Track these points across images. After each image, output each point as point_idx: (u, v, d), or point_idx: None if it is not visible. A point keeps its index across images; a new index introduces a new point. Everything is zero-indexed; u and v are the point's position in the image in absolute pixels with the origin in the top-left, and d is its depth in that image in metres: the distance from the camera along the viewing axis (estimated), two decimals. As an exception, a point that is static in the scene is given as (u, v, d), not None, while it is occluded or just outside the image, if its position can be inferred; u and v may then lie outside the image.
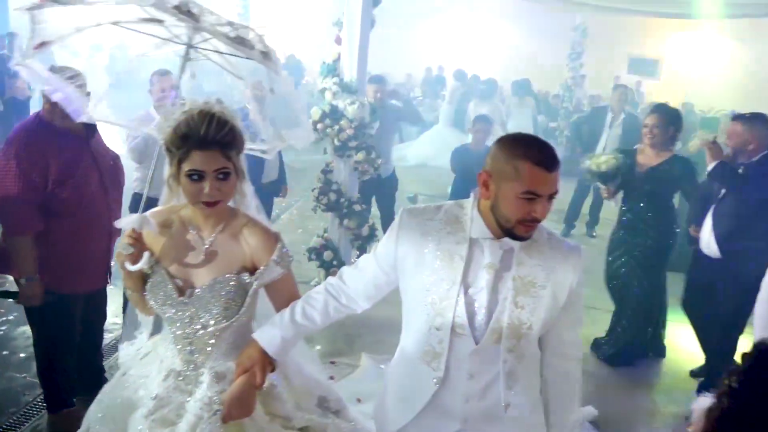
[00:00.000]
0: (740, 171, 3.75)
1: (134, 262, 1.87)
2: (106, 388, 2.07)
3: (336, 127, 4.84)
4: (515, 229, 1.70)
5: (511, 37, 16.08)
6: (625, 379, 4.23)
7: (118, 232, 2.40)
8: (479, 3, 15.89)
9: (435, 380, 1.82)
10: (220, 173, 1.80)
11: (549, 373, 1.91)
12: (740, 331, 3.93)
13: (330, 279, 2.02)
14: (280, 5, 15.24)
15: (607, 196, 4.39)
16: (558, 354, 1.89)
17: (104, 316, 3.40)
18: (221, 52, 2.38)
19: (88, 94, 2.73)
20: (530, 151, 1.66)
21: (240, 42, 2.14)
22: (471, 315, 1.77)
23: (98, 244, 3.04)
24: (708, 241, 3.87)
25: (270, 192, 5.23)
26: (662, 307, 4.44)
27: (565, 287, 1.81)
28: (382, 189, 5.77)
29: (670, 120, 4.09)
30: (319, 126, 4.82)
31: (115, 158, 3.21)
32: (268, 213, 5.18)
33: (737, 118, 3.95)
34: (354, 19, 4.76)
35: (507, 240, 1.74)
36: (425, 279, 1.80)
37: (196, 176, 1.78)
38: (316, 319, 1.95)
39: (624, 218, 4.27)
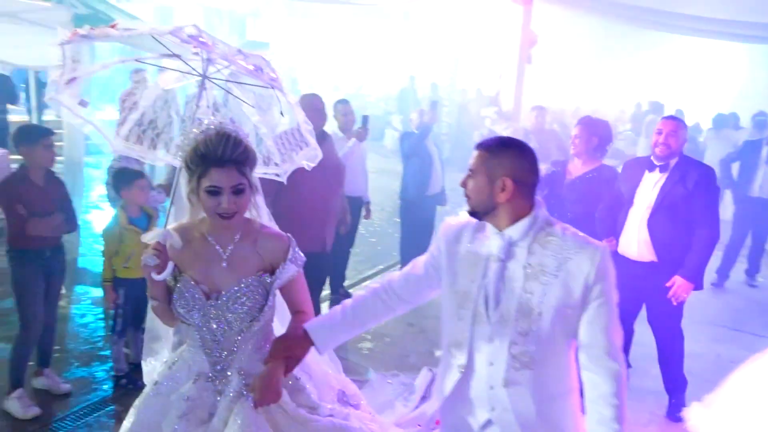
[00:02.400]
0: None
1: (159, 272, 2.02)
2: (138, 399, 2.18)
3: None
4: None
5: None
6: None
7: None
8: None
9: (459, 367, 1.97)
10: (236, 188, 1.97)
11: (583, 377, 1.94)
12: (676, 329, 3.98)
13: (378, 281, 2.18)
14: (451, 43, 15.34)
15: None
16: (589, 357, 1.91)
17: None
18: (234, 81, 2.54)
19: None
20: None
21: (251, 70, 2.28)
22: (485, 303, 1.91)
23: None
24: (634, 245, 3.86)
25: (434, 202, 5.82)
26: None
27: (578, 279, 1.85)
28: None
29: (593, 131, 4.19)
30: None
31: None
32: (431, 222, 5.75)
33: None
34: (513, 58, 5.74)
35: (509, 232, 1.89)
36: (454, 276, 1.99)
37: (215, 191, 1.95)
38: (365, 317, 2.17)
39: None
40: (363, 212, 5.74)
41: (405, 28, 17.55)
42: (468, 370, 1.96)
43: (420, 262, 2.16)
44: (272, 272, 2.12)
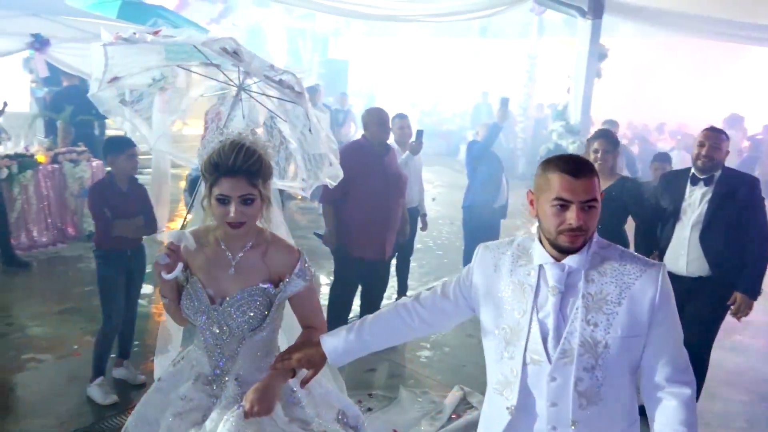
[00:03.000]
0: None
1: (169, 271, 2.04)
2: (144, 395, 2.24)
3: None
4: (559, 240, 1.72)
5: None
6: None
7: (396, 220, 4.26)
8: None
9: (508, 409, 1.81)
10: (245, 198, 1.96)
11: (648, 406, 1.80)
12: (710, 347, 3.84)
13: (403, 299, 2.07)
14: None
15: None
16: (657, 383, 1.77)
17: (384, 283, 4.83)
18: (269, 95, 2.57)
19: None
20: (559, 162, 1.72)
21: (281, 83, 2.33)
22: (544, 340, 1.75)
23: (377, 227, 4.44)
24: (686, 262, 3.74)
25: (499, 215, 6.01)
26: None
27: (644, 304, 1.73)
28: None
29: (615, 144, 4.17)
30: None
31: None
32: (497, 234, 5.81)
33: None
34: (581, 72, 5.72)
35: (568, 261, 1.75)
36: (496, 309, 1.84)
37: (223, 200, 1.96)
38: (385, 335, 2.04)
39: None
40: (420, 224, 5.82)
41: (481, 45, 17.58)
42: (521, 412, 1.80)
43: (449, 288, 2.00)
44: (278, 284, 2.11)
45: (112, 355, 4.09)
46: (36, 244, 6.87)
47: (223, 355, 2.11)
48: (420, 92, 18.82)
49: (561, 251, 1.75)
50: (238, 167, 1.94)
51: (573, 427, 1.75)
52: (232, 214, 1.96)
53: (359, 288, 4.77)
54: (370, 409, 3.82)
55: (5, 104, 6.73)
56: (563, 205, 1.68)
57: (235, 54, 2.28)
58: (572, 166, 1.70)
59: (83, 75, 7.93)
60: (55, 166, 7.06)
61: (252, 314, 2.06)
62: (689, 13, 5.89)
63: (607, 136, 4.17)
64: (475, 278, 1.91)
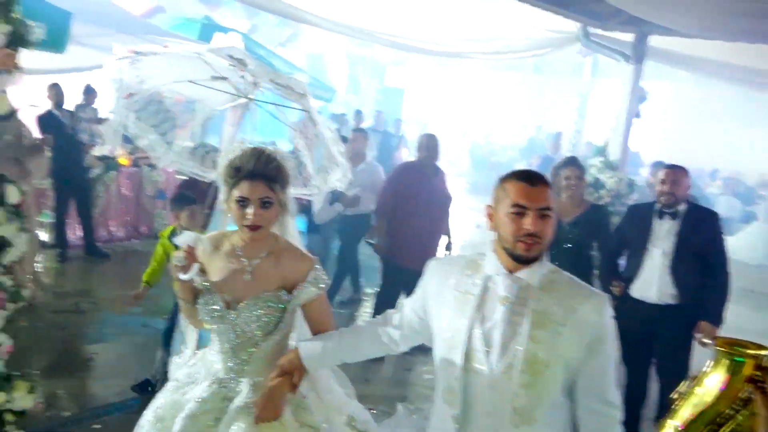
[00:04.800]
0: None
1: (185, 272, 2.11)
2: (158, 394, 2.26)
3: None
4: (516, 248, 1.75)
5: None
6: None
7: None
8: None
9: (452, 417, 1.82)
10: (263, 201, 2.03)
11: (580, 426, 1.82)
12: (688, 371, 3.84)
13: (377, 317, 2.15)
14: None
15: None
16: (590, 408, 1.79)
17: None
18: (276, 104, 2.70)
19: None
20: (515, 173, 1.83)
21: (286, 87, 2.47)
22: (488, 349, 1.77)
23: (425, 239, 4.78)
24: (654, 289, 3.84)
25: None
26: None
27: (586, 329, 1.75)
28: None
29: (584, 171, 4.24)
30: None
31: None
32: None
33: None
34: (622, 112, 6.10)
35: (522, 275, 1.78)
36: (443, 318, 1.87)
37: (243, 202, 2.02)
38: (359, 346, 2.12)
39: None
40: None
41: (534, 81, 17.99)
42: (464, 422, 1.80)
43: (407, 310, 2.05)
44: (291, 291, 2.14)
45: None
46: (113, 238, 7.64)
47: (238, 358, 2.14)
48: (472, 123, 19.29)
49: (517, 260, 1.77)
50: (258, 171, 2.01)
51: None
52: (250, 217, 2.01)
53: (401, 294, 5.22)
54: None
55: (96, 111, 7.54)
56: (520, 212, 1.73)
57: (240, 61, 2.39)
58: (528, 175, 1.80)
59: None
60: (135, 169, 7.84)
61: (266, 319, 2.10)
62: (734, 64, 6.17)
63: (576, 164, 4.30)
64: (428, 289, 1.96)
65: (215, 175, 2.87)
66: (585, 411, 1.80)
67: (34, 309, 4.92)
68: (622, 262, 4.14)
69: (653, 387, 4.09)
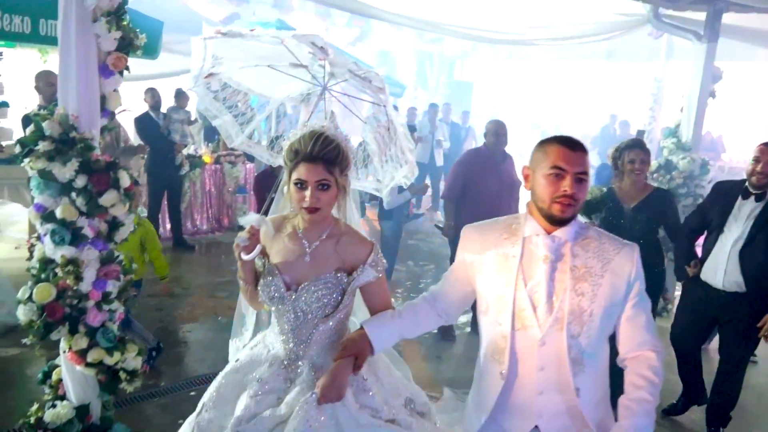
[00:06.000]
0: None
1: (248, 252, 2.13)
2: (220, 374, 2.28)
3: (667, 177, 5.97)
4: (552, 209, 1.82)
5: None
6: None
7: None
8: None
9: (501, 374, 1.88)
10: (321, 184, 2.02)
11: (631, 364, 1.91)
12: (746, 364, 3.77)
13: (425, 294, 2.21)
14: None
15: None
16: (630, 352, 1.90)
17: None
18: (351, 96, 2.73)
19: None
20: (556, 138, 1.88)
21: (365, 79, 2.49)
22: (534, 307, 1.85)
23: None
24: (720, 274, 3.64)
25: None
26: None
27: (623, 278, 1.86)
28: None
29: (649, 154, 4.03)
30: (655, 175, 6.02)
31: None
32: None
33: None
34: (694, 92, 6.00)
35: (558, 234, 1.86)
36: (488, 281, 1.95)
37: (300, 185, 2.03)
38: (418, 323, 2.15)
39: None
40: None
41: (607, 68, 17.53)
42: (512, 378, 1.88)
43: (447, 278, 2.13)
44: (351, 273, 2.14)
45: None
46: (198, 231, 8.17)
47: (298, 339, 2.16)
48: (543, 113, 19.05)
49: (552, 222, 1.85)
50: (316, 154, 2.00)
51: (559, 394, 1.84)
52: (307, 199, 2.01)
53: None
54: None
55: (188, 114, 8.06)
56: (558, 174, 1.79)
57: (322, 49, 2.37)
58: (568, 140, 1.84)
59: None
60: (217, 166, 8.34)
61: (326, 301, 2.11)
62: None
63: (641, 146, 4.06)
64: (467, 257, 2.03)
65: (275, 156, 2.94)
66: (628, 354, 1.90)
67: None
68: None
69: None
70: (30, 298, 2.67)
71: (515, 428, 1.90)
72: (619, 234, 2.03)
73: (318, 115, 2.55)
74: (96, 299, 2.74)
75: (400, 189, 5.38)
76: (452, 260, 5.25)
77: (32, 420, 2.82)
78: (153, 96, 7.18)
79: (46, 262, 2.71)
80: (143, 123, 7.14)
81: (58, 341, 2.78)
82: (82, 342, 2.73)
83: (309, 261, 2.13)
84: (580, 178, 1.80)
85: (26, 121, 6.10)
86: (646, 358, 1.87)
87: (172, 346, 4.74)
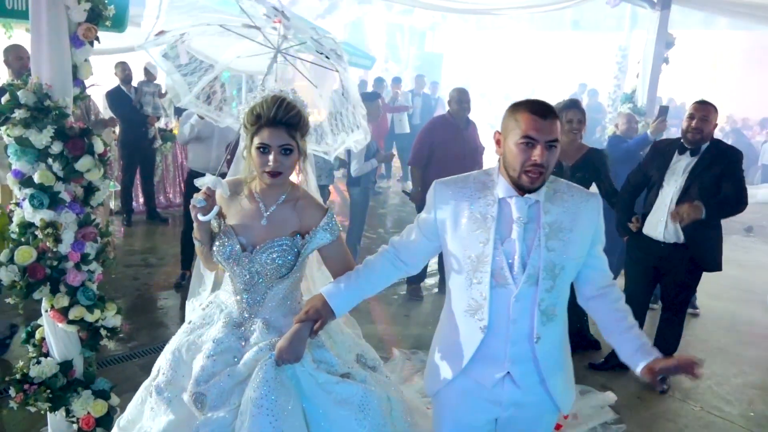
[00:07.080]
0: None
1: (205, 213, 2.13)
2: (174, 337, 2.32)
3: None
4: (521, 180, 1.85)
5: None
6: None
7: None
8: None
9: (481, 329, 1.93)
10: (284, 148, 2.05)
11: (590, 307, 2.07)
12: (686, 310, 4.03)
13: (384, 246, 2.22)
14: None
15: None
16: (597, 289, 2.03)
17: None
18: (304, 60, 2.70)
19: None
20: (527, 103, 1.85)
21: (320, 44, 2.52)
22: (510, 265, 1.90)
23: None
24: (661, 227, 3.84)
25: None
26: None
27: (590, 228, 1.96)
28: None
29: (584, 113, 4.16)
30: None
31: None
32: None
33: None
34: (648, 58, 6.26)
35: (532, 195, 1.89)
36: (463, 240, 1.95)
37: (264, 149, 2.05)
38: (377, 280, 2.16)
39: None
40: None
41: (574, 37, 17.80)
42: (490, 331, 1.93)
43: (413, 230, 2.13)
44: (305, 236, 2.18)
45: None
46: (171, 204, 8.27)
47: (252, 300, 2.21)
48: (513, 84, 19.28)
49: (520, 189, 1.88)
50: (279, 118, 2.03)
51: (532, 343, 1.92)
52: (271, 163, 2.04)
53: None
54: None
55: (159, 87, 8.08)
56: (529, 143, 1.81)
57: (281, 13, 2.41)
58: (540, 107, 1.83)
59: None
60: (189, 139, 8.38)
61: (280, 263, 2.14)
62: (758, 3, 6.13)
63: (578, 106, 4.17)
64: (438, 214, 2.01)
65: (230, 120, 2.95)
66: (594, 293, 2.04)
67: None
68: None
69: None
70: (12, 260, 2.81)
71: (488, 377, 1.97)
72: None
73: (268, 78, 2.56)
74: (75, 260, 2.89)
75: (368, 156, 5.56)
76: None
77: (18, 376, 2.97)
78: (123, 69, 7.19)
79: (26, 226, 2.85)
80: (115, 97, 7.17)
81: (18, 306, 2.87)
82: (63, 300, 2.88)
83: (266, 224, 2.16)
84: (551, 146, 1.83)
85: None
86: (613, 292, 2.04)
87: (149, 312, 4.92)
